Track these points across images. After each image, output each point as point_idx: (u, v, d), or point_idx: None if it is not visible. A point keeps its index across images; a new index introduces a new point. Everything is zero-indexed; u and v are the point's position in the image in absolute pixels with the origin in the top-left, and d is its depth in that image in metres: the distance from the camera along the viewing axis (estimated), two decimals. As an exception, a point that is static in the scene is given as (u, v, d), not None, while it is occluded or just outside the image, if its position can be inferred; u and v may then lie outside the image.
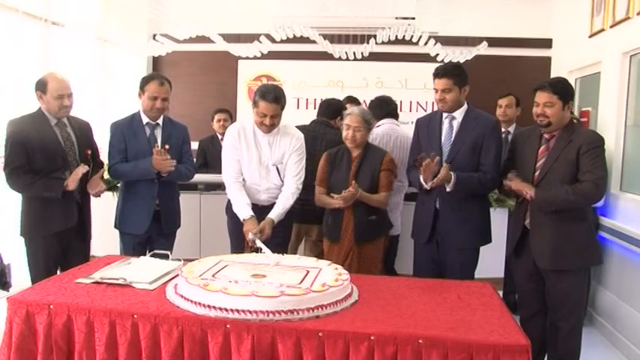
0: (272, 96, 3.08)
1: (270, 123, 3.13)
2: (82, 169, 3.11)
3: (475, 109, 3.17)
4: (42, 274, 2.96)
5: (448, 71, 3.06)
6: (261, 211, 3.21)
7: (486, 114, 3.22)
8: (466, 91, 3.10)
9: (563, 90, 2.82)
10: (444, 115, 3.12)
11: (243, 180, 3.28)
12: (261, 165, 3.24)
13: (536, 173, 2.87)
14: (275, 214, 3.18)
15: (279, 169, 3.27)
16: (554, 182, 2.79)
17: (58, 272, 3.13)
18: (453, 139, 3.06)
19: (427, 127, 3.20)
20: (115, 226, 3.47)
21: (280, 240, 3.28)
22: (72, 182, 3.07)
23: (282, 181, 3.29)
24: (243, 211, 3.15)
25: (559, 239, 2.81)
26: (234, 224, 3.28)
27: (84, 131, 3.33)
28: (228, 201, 3.31)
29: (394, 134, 3.86)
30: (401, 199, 3.89)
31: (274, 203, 3.25)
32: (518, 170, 2.98)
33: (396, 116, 4.07)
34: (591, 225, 3.00)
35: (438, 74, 3.08)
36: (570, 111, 2.89)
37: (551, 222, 2.82)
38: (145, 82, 3.35)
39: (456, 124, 3.09)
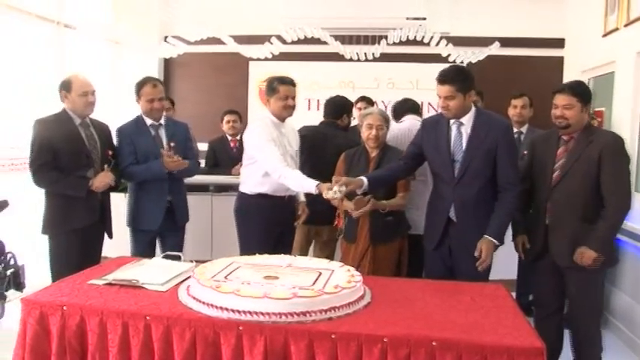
0: (289, 79, 3.38)
1: (293, 104, 3.36)
2: (109, 176, 3.28)
3: (484, 112, 3.03)
4: (65, 270, 3.00)
5: (450, 77, 2.83)
6: (288, 200, 3.39)
7: (497, 117, 3.07)
8: (472, 97, 2.88)
9: (582, 92, 2.83)
10: (451, 120, 2.94)
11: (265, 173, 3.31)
12: (288, 154, 3.36)
13: (555, 174, 2.88)
14: (303, 196, 3.53)
15: (298, 156, 3.49)
16: (573, 183, 2.81)
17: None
18: (464, 147, 2.91)
19: (434, 131, 3.02)
20: (128, 225, 3.58)
21: (289, 238, 3.50)
22: (100, 185, 3.24)
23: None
24: (309, 181, 3.03)
25: (578, 237, 2.81)
26: (264, 221, 3.32)
27: (105, 133, 3.48)
28: (254, 201, 3.35)
29: (415, 129, 3.78)
30: (428, 196, 3.69)
31: (294, 195, 3.45)
32: (536, 173, 2.99)
33: (417, 112, 3.95)
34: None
35: (439, 80, 2.87)
36: (588, 113, 2.89)
37: (571, 221, 2.83)
38: (139, 87, 3.53)
39: (464, 130, 2.91)
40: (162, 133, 3.57)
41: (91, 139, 3.32)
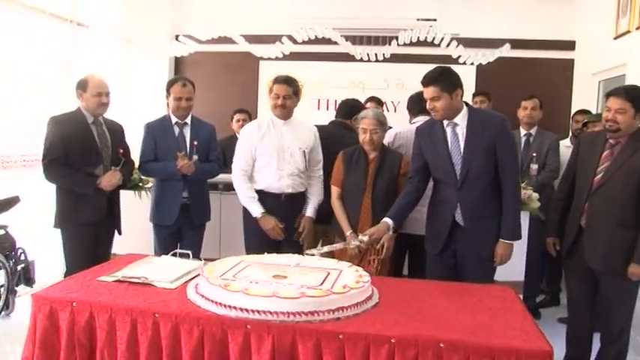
0: (282, 78, 3.38)
1: (281, 103, 3.33)
2: (116, 176, 3.36)
3: (478, 110, 2.99)
4: (78, 263, 3.13)
5: (433, 78, 2.81)
6: (286, 199, 3.39)
7: (491, 112, 3.02)
8: (459, 96, 2.83)
9: (637, 98, 2.81)
10: (445, 122, 2.88)
11: (259, 168, 3.41)
12: (284, 151, 3.37)
13: (597, 177, 2.88)
14: (311, 211, 3.47)
15: (306, 154, 3.42)
16: (614, 189, 2.82)
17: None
18: (462, 148, 2.86)
19: (429, 136, 2.97)
20: (150, 220, 3.69)
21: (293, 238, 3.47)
22: (107, 184, 3.32)
23: (307, 168, 3.45)
24: (254, 207, 3.35)
25: (614, 242, 2.83)
26: (255, 222, 3.36)
27: (117, 132, 3.56)
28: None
29: None
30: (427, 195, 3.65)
31: (299, 192, 3.44)
32: (578, 173, 3.01)
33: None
34: None
35: (423, 83, 2.85)
36: None
37: (606, 225, 2.85)
38: (169, 85, 3.63)
39: (460, 130, 2.86)
40: (187, 132, 3.65)
41: (103, 137, 3.40)
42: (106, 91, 3.37)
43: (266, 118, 3.48)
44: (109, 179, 3.32)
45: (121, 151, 3.47)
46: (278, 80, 3.37)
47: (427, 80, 2.83)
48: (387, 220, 2.94)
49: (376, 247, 3.10)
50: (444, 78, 2.82)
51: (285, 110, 3.37)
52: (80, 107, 3.36)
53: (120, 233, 3.58)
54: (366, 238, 2.86)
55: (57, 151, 3.24)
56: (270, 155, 3.36)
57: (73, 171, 3.26)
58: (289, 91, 3.36)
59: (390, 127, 3.61)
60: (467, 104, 2.91)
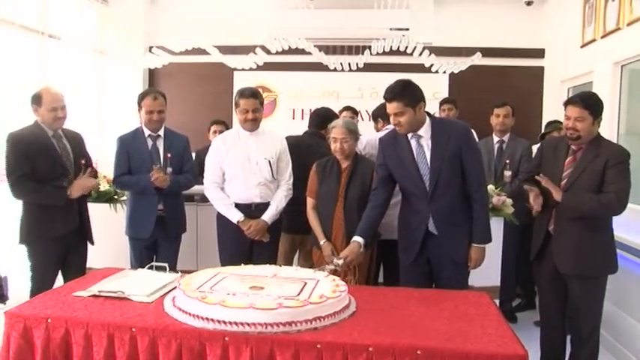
0: (249, 92, 3.39)
1: (252, 117, 3.37)
2: (91, 181, 3.34)
3: (441, 120, 3.02)
4: (44, 280, 3.10)
5: (397, 94, 2.79)
6: (257, 209, 3.40)
7: (455, 122, 3.05)
8: (422, 108, 2.82)
9: (594, 105, 2.87)
10: (409, 135, 2.88)
11: (228, 180, 3.44)
12: (250, 161, 3.39)
13: (563, 182, 2.93)
14: (268, 216, 3.40)
15: (272, 164, 3.42)
16: (580, 192, 2.87)
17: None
18: (429, 160, 2.85)
19: (394, 147, 2.95)
20: (126, 233, 3.66)
21: (271, 250, 3.50)
22: (76, 191, 3.24)
23: (274, 177, 3.46)
24: (234, 212, 3.37)
25: (582, 246, 2.88)
26: (234, 228, 3.38)
27: (77, 142, 3.47)
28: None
29: None
30: (399, 200, 3.50)
31: (269, 202, 3.43)
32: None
33: None
34: (612, 235, 3.03)
35: (386, 98, 2.83)
36: (599, 125, 2.93)
37: (575, 229, 2.90)
38: (140, 98, 3.59)
39: (425, 142, 2.86)
40: (161, 144, 3.62)
41: (64, 150, 3.31)
42: (62, 105, 3.25)
43: (232, 130, 3.53)
44: (78, 187, 3.25)
45: (83, 161, 3.38)
46: (245, 95, 3.37)
47: (391, 96, 2.81)
48: (358, 238, 2.94)
49: (351, 268, 3.10)
50: (407, 92, 2.80)
51: (255, 123, 3.41)
52: (37, 121, 3.26)
53: (92, 243, 3.50)
54: (341, 262, 2.87)
55: (23, 167, 3.13)
56: (237, 167, 3.39)
57: (40, 185, 3.16)
58: (257, 104, 3.38)
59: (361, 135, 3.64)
60: (429, 115, 2.92)
